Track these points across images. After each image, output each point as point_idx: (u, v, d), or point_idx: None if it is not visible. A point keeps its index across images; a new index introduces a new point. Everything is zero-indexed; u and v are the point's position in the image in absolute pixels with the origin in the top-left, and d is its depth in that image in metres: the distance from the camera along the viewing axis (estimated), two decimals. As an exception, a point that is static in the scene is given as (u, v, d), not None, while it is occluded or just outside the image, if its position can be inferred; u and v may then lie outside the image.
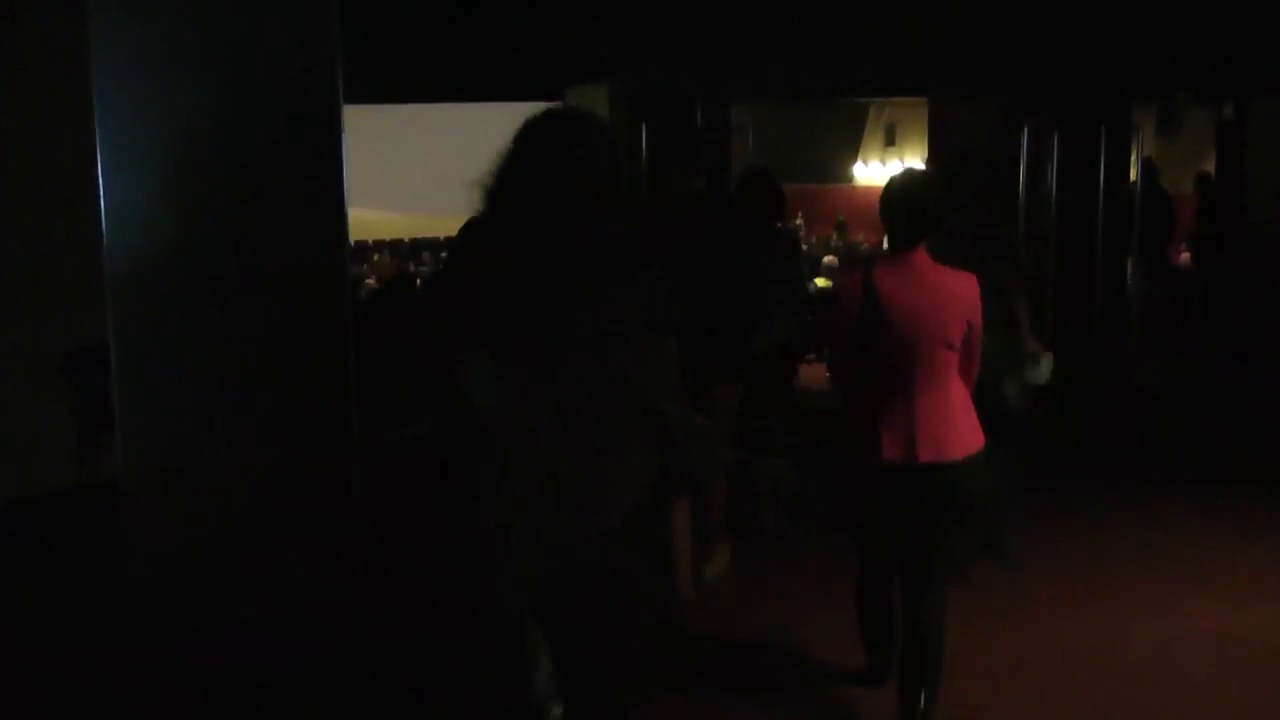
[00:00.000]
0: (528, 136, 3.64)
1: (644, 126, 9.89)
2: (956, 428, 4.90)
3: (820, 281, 14.09)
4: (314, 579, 3.92)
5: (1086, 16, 10.98)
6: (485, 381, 3.51)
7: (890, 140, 18.69)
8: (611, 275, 3.49)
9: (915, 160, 15.57)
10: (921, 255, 4.91)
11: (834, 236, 17.35)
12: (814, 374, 12.66)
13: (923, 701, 4.88)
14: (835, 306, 5.10)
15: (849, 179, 20.24)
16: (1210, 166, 14.41)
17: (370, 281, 13.40)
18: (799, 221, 18.31)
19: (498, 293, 3.53)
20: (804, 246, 16.69)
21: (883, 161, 17.93)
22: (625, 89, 10.00)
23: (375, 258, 15.78)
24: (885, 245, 5.39)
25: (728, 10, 10.29)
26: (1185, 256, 14.33)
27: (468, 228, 3.88)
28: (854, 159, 20.26)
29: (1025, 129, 11.23)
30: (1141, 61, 11.29)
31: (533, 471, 3.50)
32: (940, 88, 11.60)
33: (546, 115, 3.55)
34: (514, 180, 3.59)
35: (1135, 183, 12.78)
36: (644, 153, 9.90)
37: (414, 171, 15.64)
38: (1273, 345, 11.92)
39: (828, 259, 15.49)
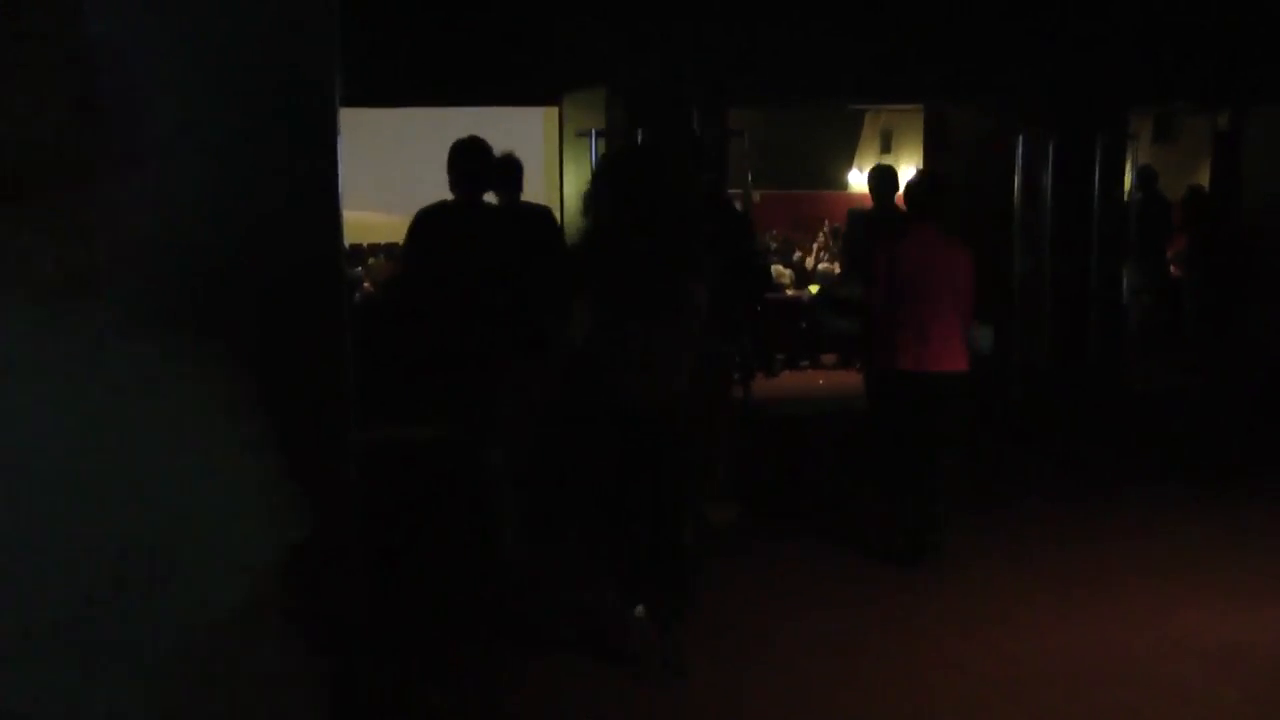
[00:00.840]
0: (624, 167, 5.95)
1: (640, 131, 9.90)
2: (953, 349, 7.10)
3: (814, 288, 14.08)
4: (308, 582, 3.93)
5: (1084, 24, 11.00)
6: (585, 317, 5.68)
7: (886, 147, 18.68)
8: (679, 261, 5.72)
9: (911, 166, 15.58)
10: (931, 229, 7.20)
11: (831, 243, 17.33)
12: (803, 380, 12.66)
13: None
14: (875, 264, 7.34)
15: (844, 185, 20.24)
16: (1206, 174, 14.41)
17: (367, 285, 13.38)
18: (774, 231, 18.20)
19: (603, 266, 5.73)
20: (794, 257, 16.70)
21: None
22: (622, 93, 10.00)
23: (371, 260, 15.75)
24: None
25: (725, 15, 10.30)
26: (1173, 268, 14.32)
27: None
28: (849, 165, 20.26)
29: (1021, 136, 11.25)
30: (1138, 70, 11.31)
31: (619, 367, 5.66)
32: (937, 94, 11.62)
33: (637, 150, 6.07)
34: (613, 196, 5.77)
35: (1133, 189, 12.82)
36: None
37: (410, 174, 15.63)
38: (1269, 350, 11.93)
39: (823, 266, 15.49)
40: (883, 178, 9.58)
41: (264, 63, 3.79)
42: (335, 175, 3.93)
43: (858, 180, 20.03)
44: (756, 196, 16.23)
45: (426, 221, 6.92)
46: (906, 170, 16.10)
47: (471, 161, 6.92)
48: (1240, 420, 10.78)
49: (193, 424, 1.37)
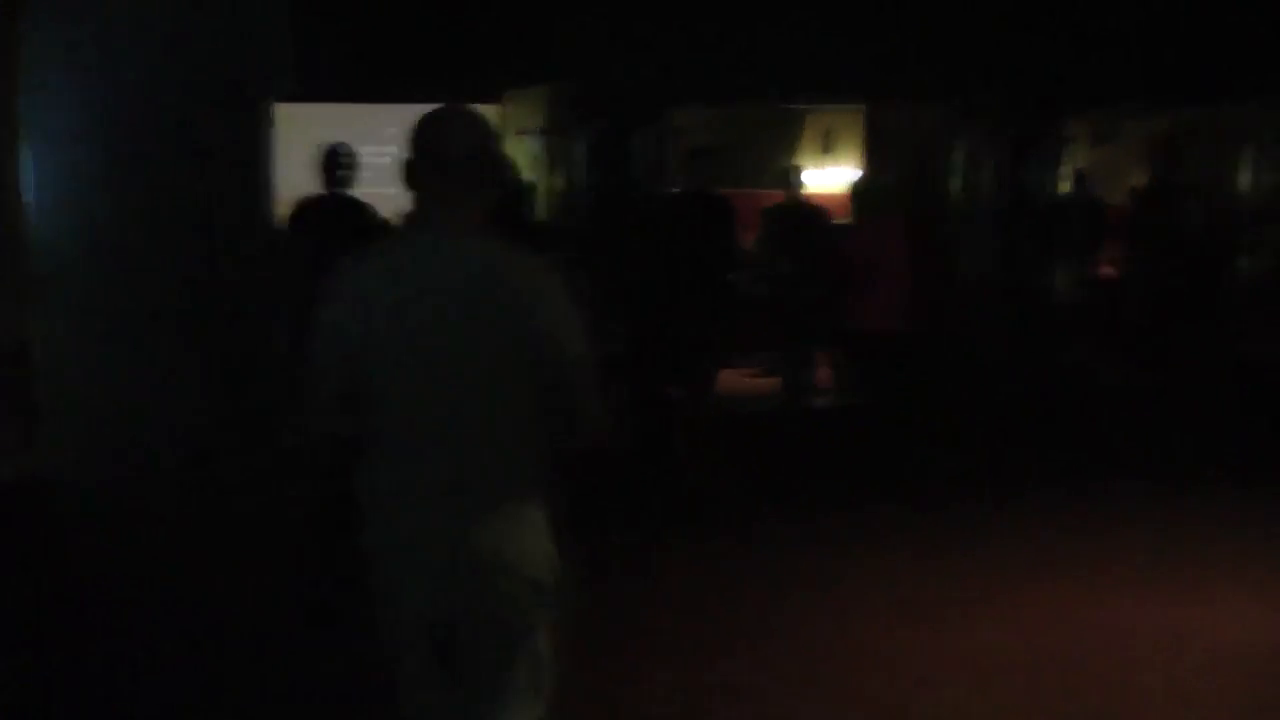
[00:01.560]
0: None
1: (583, 128, 9.92)
2: (899, 314, 8.68)
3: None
4: (242, 565, 3.94)
5: (1024, 28, 11.11)
6: None
7: (827, 147, 18.73)
8: None
9: (851, 167, 15.65)
10: (878, 221, 8.88)
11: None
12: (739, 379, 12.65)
13: None
14: (842, 250, 9.18)
15: (786, 185, 20.21)
16: (1145, 176, 14.52)
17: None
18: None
19: None
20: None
21: (819, 168, 17.99)
22: (563, 91, 10.01)
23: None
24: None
25: (667, 15, 10.32)
26: (1106, 269, 14.42)
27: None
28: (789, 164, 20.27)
29: (960, 138, 11.34)
30: (1077, 73, 11.43)
31: None
32: (876, 96, 11.70)
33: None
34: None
35: (1070, 192, 12.94)
36: (581, 153, 9.92)
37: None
38: (1206, 348, 12.08)
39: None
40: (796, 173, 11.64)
41: (196, 60, 3.78)
42: (268, 170, 3.94)
43: (798, 180, 20.02)
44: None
45: (299, 210, 8.03)
46: (846, 170, 16.23)
47: (330, 161, 8.24)
48: (1180, 415, 10.91)
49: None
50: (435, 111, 3.41)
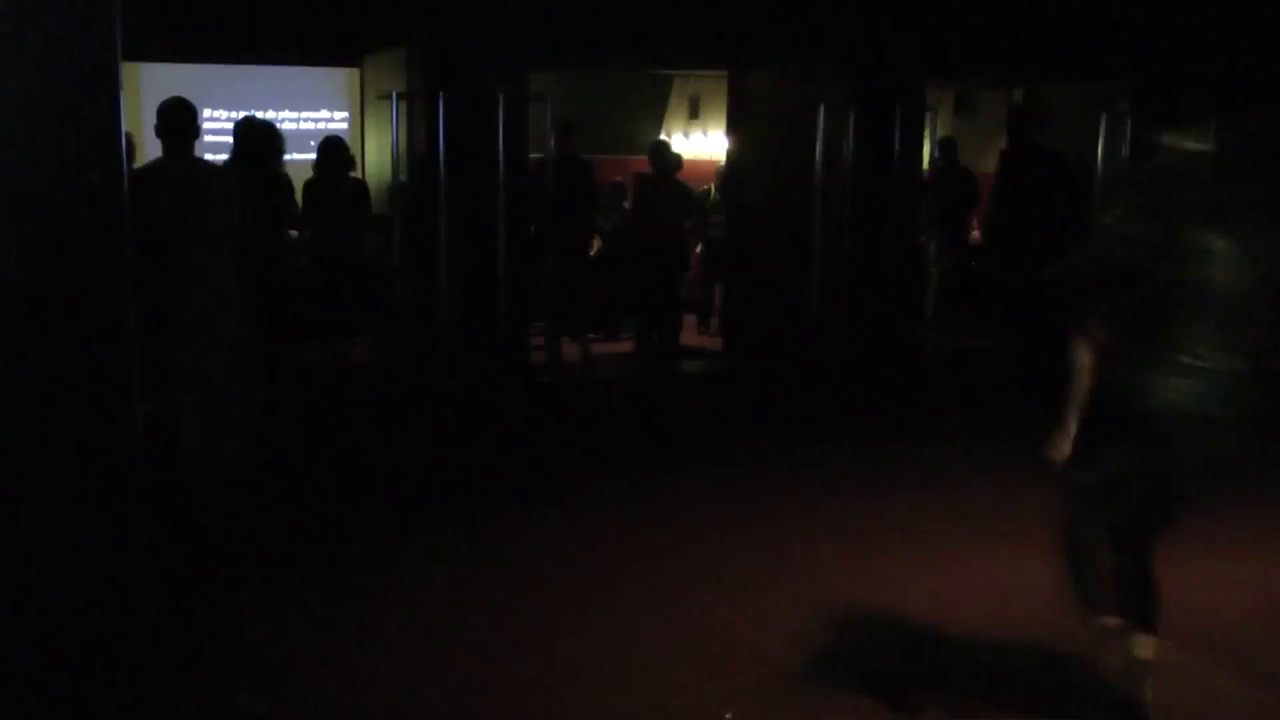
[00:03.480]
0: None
1: (441, 93, 9.83)
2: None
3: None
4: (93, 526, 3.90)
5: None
6: None
7: (694, 113, 18.79)
8: None
9: (718, 133, 15.71)
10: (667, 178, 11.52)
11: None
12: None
13: None
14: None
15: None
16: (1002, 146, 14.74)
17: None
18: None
19: None
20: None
21: (686, 134, 17.95)
22: (423, 55, 9.91)
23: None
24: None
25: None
26: (975, 234, 14.63)
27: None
28: (658, 131, 20.28)
29: (822, 106, 11.40)
30: (937, 43, 11.55)
31: None
32: (740, 62, 11.74)
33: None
34: None
35: (934, 160, 13.10)
36: (441, 118, 9.83)
37: (208, 132, 15.29)
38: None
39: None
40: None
41: (40, 19, 3.68)
42: (118, 127, 3.85)
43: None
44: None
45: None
46: (715, 136, 16.30)
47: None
48: (1033, 381, 11.13)
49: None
50: (169, 101, 6.61)
